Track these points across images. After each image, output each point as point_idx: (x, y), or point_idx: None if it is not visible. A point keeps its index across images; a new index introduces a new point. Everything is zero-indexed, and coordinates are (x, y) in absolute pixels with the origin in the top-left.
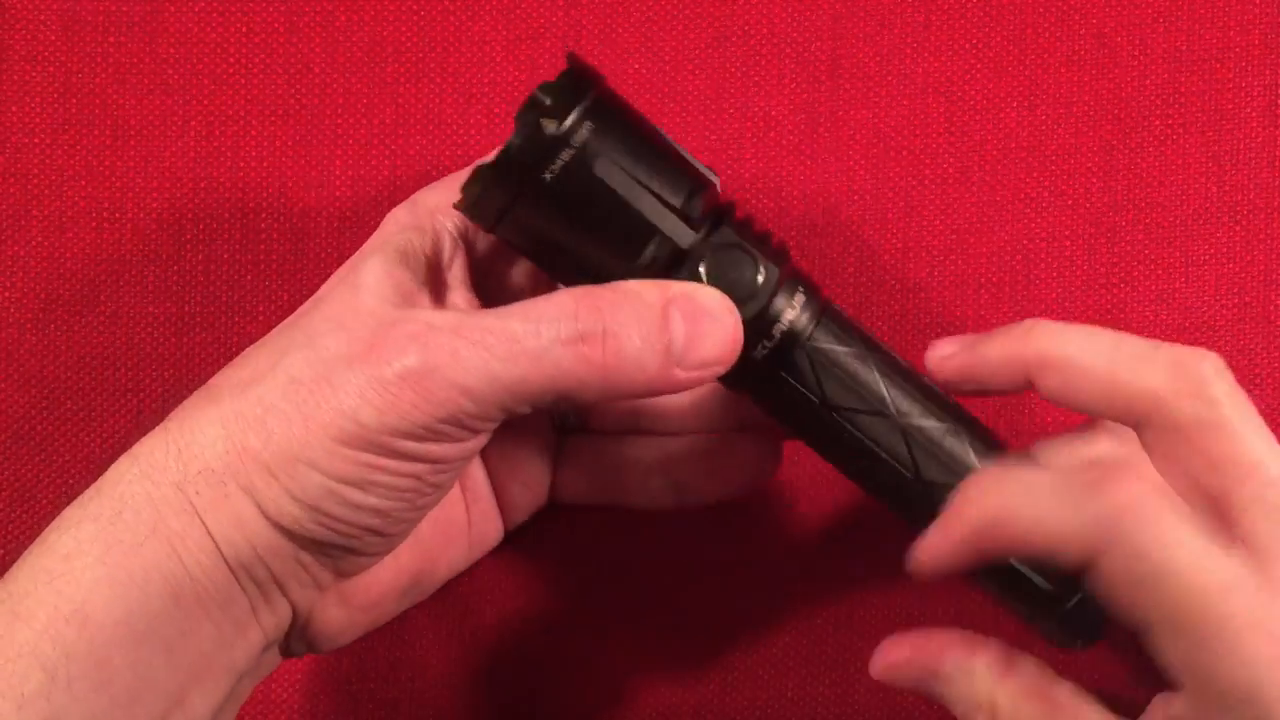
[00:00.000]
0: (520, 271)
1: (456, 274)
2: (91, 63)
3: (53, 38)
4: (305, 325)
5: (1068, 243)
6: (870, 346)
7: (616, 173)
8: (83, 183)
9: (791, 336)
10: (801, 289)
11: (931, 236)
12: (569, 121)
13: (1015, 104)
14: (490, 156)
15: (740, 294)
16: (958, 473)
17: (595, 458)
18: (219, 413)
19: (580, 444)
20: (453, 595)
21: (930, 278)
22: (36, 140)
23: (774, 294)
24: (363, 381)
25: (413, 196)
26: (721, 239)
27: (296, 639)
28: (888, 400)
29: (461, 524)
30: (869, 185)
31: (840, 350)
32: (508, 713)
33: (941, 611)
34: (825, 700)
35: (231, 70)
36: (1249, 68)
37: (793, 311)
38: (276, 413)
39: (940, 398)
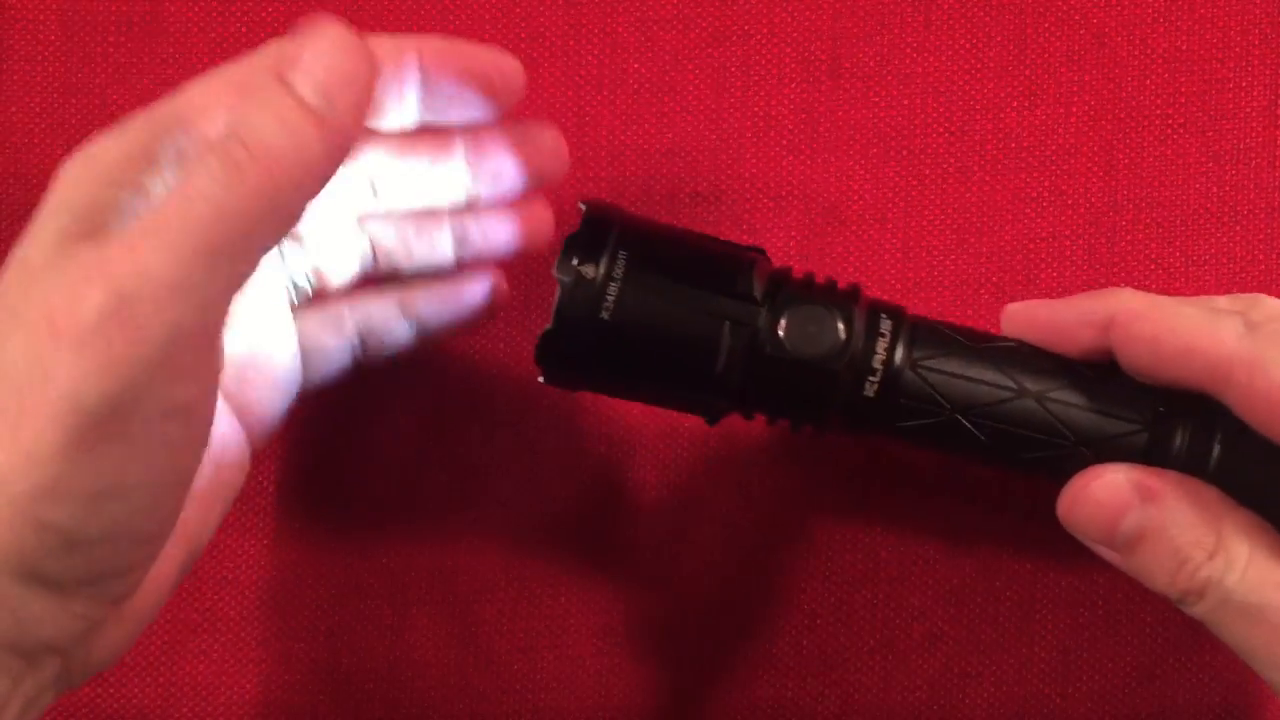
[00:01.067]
0: None
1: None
2: (91, 63)
3: (53, 38)
4: None
5: (1068, 243)
6: (971, 340)
7: (666, 284)
8: None
9: (893, 362)
10: (885, 315)
11: (931, 236)
12: (604, 258)
13: (1015, 104)
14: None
15: (827, 343)
16: (1109, 423)
17: (335, 323)
18: None
19: (314, 314)
20: (453, 595)
21: (930, 277)
22: (36, 140)
23: (861, 330)
24: (65, 356)
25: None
26: (786, 300)
27: (74, 676)
28: (1013, 384)
29: (210, 485)
30: (869, 185)
31: (947, 356)
32: (508, 713)
33: (942, 611)
34: (825, 700)
35: None
36: (1249, 68)
37: (884, 340)
38: None
39: (1058, 360)
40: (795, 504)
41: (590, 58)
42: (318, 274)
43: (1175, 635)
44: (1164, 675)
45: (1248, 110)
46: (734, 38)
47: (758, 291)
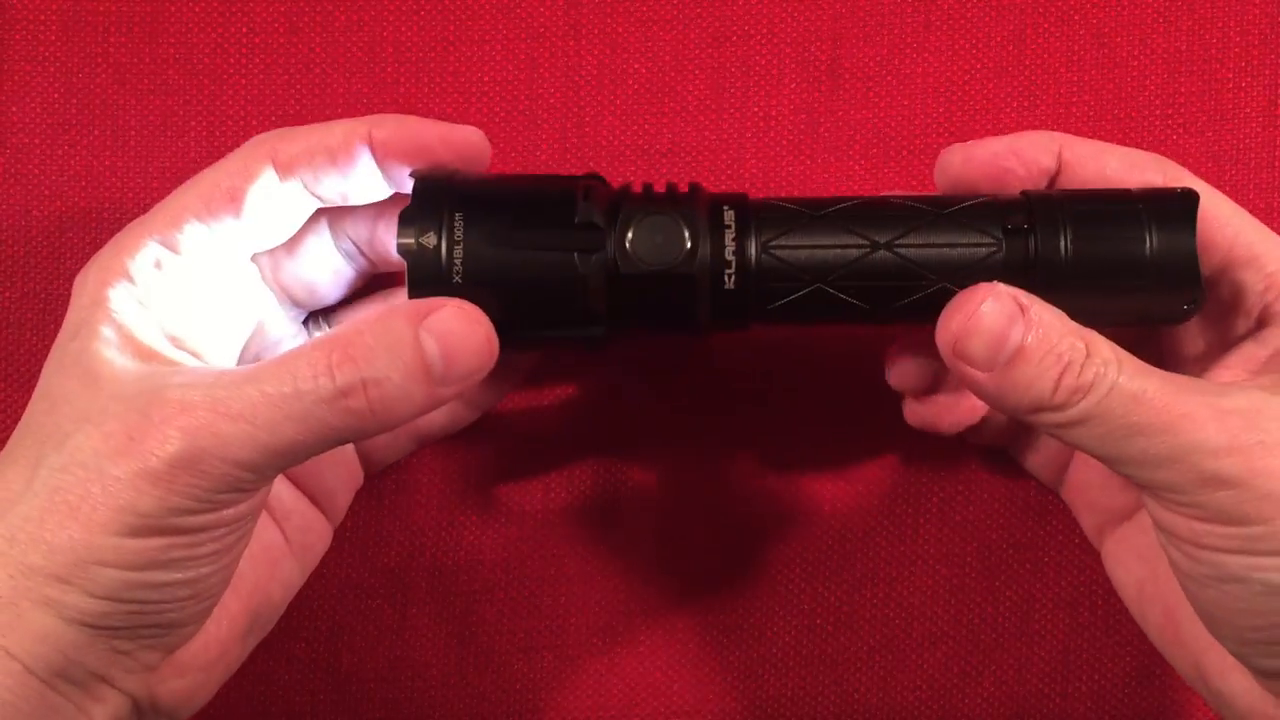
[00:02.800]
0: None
1: (180, 309)
2: (91, 63)
3: (53, 38)
4: (48, 428)
5: None
6: (816, 209)
7: (509, 234)
8: (83, 183)
9: (745, 251)
10: (726, 206)
11: None
12: (443, 224)
13: (1015, 104)
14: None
15: (676, 248)
16: (965, 251)
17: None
18: None
19: None
20: (453, 595)
21: None
22: (36, 140)
23: (706, 227)
24: (132, 475)
25: (112, 243)
26: (628, 217)
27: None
28: (864, 240)
29: (280, 547)
30: (869, 185)
31: (794, 231)
32: (508, 713)
33: (942, 611)
34: (825, 700)
35: (231, 70)
36: (1249, 68)
37: (730, 231)
38: (50, 526)
39: (901, 206)
40: (795, 504)
41: (590, 58)
42: None
43: None
44: (1163, 675)
45: (1248, 111)
46: (734, 38)
47: (598, 216)
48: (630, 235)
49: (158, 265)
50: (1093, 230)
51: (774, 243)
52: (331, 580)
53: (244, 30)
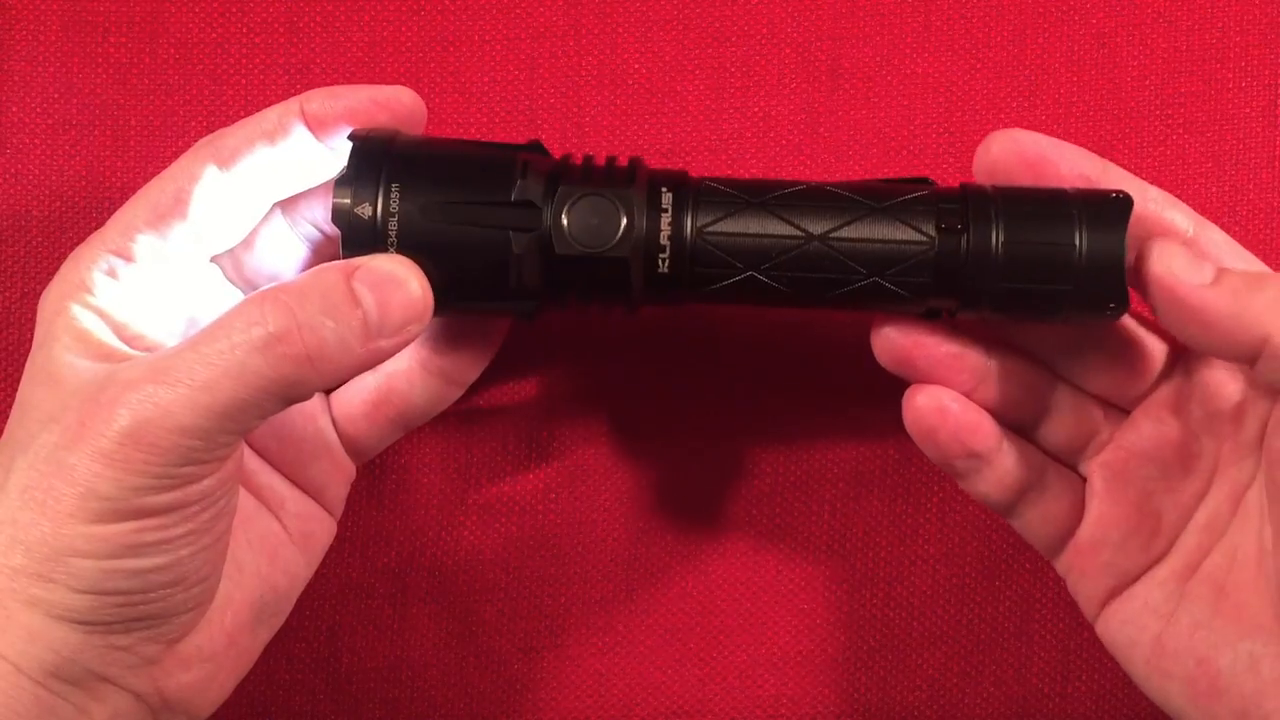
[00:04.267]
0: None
1: (138, 304)
2: (91, 63)
3: (53, 38)
4: (20, 435)
5: None
6: (757, 194)
7: (445, 208)
8: (83, 183)
9: (681, 235)
10: (665, 188)
11: None
12: (379, 195)
13: (1015, 104)
14: None
15: (611, 231)
16: (897, 248)
17: (375, 404)
18: None
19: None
20: (453, 595)
21: None
22: (36, 140)
23: (643, 209)
24: (86, 459)
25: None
26: (565, 195)
27: (159, 716)
28: (799, 231)
29: (278, 535)
30: None
31: (731, 217)
32: (508, 713)
33: (942, 611)
34: (825, 700)
35: (231, 70)
36: (1249, 68)
37: (667, 214)
38: (22, 524)
39: (845, 196)
40: (795, 504)
41: (590, 58)
42: None
43: None
44: None
45: (1248, 111)
46: (734, 38)
47: (536, 191)
48: (566, 215)
49: (113, 275)
50: (1024, 232)
51: (710, 228)
52: (331, 580)
53: (244, 30)
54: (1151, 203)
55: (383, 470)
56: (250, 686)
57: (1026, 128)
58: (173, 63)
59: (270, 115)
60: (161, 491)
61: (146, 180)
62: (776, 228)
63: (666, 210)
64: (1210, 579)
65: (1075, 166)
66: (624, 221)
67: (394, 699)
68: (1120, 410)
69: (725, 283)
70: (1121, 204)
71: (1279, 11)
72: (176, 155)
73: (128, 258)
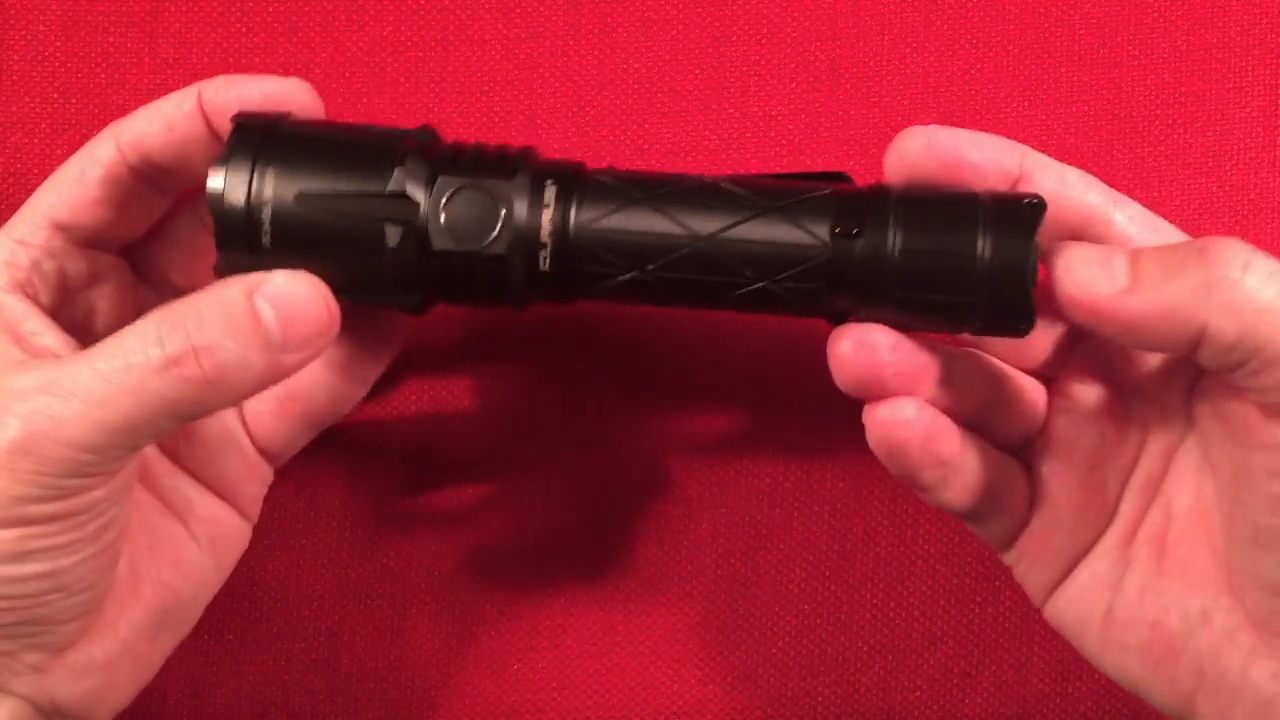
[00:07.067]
0: (108, 290)
1: (38, 308)
2: (91, 63)
3: (53, 38)
4: None
5: None
6: (647, 189)
7: (320, 196)
8: None
9: (563, 231)
10: (551, 180)
11: None
12: (254, 181)
13: (1015, 104)
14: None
15: (490, 226)
16: (788, 250)
17: (281, 400)
18: None
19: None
20: (453, 595)
21: None
22: (36, 140)
23: (524, 203)
24: None
25: None
26: (444, 186)
27: None
28: (685, 231)
29: (182, 541)
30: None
31: (616, 213)
32: (508, 713)
33: (942, 611)
34: (825, 700)
35: (231, 70)
36: (1249, 68)
37: (549, 210)
38: None
39: (740, 193)
40: (795, 503)
41: (590, 58)
42: None
43: None
44: None
45: (1248, 110)
46: (734, 38)
47: (416, 180)
48: (443, 209)
49: (14, 266)
50: (922, 239)
51: (594, 224)
52: (331, 580)
53: (244, 30)
54: (1071, 189)
55: (382, 471)
56: (250, 686)
57: (1026, 128)
58: (173, 63)
59: (171, 99)
60: (47, 501)
61: None
62: (662, 225)
63: (549, 205)
64: (1151, 540)
65: (994, 161)
66: (502, 216)
67: (394, 699)
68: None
69: (610, 282)
70: (1032, 210)
71: (1279, 11)
72: None
73: (31, 247)
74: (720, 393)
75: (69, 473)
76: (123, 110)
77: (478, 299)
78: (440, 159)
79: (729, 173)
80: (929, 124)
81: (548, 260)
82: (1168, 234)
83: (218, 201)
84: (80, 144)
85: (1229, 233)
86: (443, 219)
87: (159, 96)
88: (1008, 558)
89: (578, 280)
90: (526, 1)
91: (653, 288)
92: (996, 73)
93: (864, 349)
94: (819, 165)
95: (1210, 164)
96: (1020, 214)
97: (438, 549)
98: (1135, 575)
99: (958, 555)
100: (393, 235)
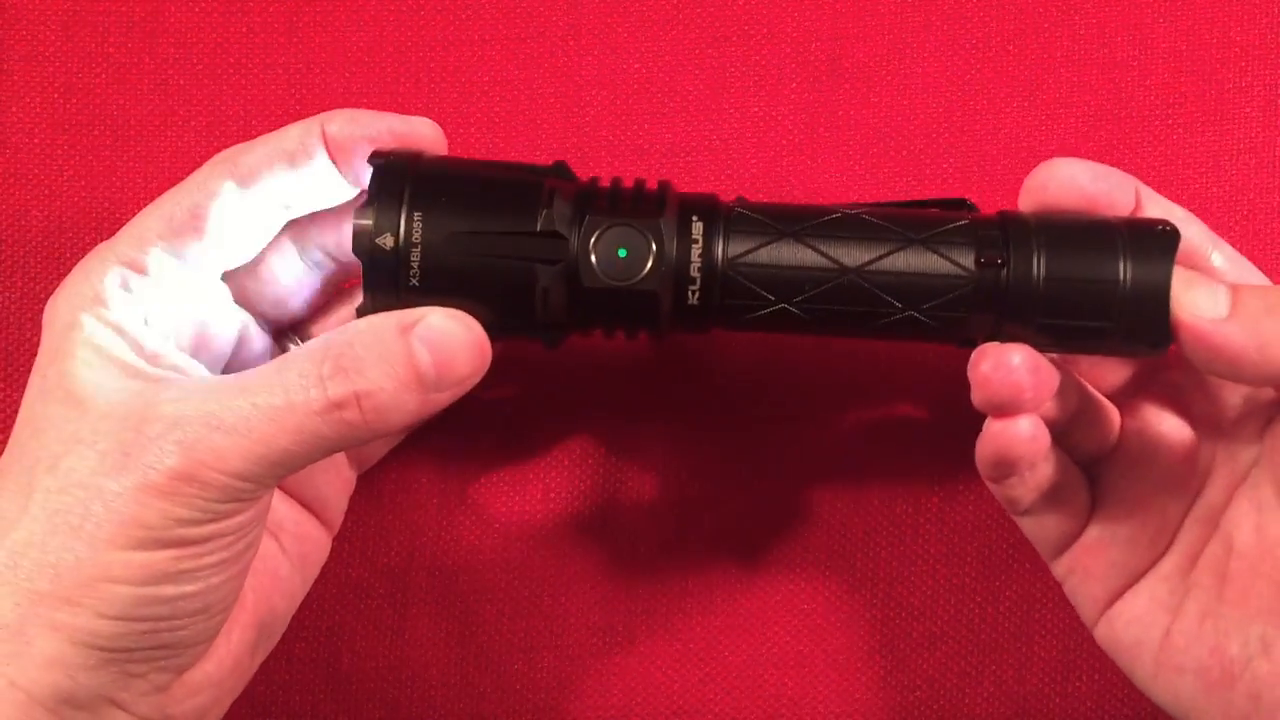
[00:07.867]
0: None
1: (161, 320)
2: (91, 63)
3: (53, 38)
4: (37, 453)
5: None
6: (792, 222)
7: (469, 238)
8: (83, 183)
9: (712, 267)
10: (696, 217)
11: None
12: (400, 224)
13: (1015, 104)
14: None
15: (640, 264)
16: (935, 281)
17: None
18: None
19: None
20: (453, 595)
21: None
22: (36, 140)
23: (673, 241)
24: (133, 489)
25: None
26: (592, 226)
27: None
28: (834, 264)
29: (277, 557)
30: (869, 185)
31: (764, 248)
32: (508, 713)
33: (942, 611)
34: (825, 700)
35: (231, 70)
36: (1249, 68)
37: (698, 246)
38: (53, 549)
39: (884, 225)
40: (795, 504)
41: (590, 58)
42: None
43: None
44: None
45: (1248, 110)
46: (734, 38)
47: (563, 220)
48: (593, 247)
49: (126, 287)
50: (1067, 267)
51: (741, 260)
52: (331, 580)
53: (244, 30)
54: (1177, 224)
55: (382, 470)
56: (250, 686)
57: (1026, 128)
58: (173, 63)
59: (292, 134)
60: (203, 524)
61: (146, 180)
62: (811, 259)
63: (698, 241)
64: (1212, 569)
65: (1110, 193)
66: (654, 253)
67: (394, 699)
68: (1124, 403)
69: (756, 314)
70: (1168, 237)
71: (1279, 11)
72: (176, 155)
73: (140, 270)
74: (720, 394)
75: (226, 498)
76: (123, 110)
77: (614, 331)
78: (581, 197)
79: (728, 173)
80: (930, 122)
81: (697, 294)
82: (1255, 278)
83: (365, 242)
84: (80, 144)
85: (1228, 232)
86: (593, 258)
87: (159, 97)
88: (1058, 568)
89: (723, 313)
90: (526, 1)
91: (797, 319)
92: (996, 73)
93: (1008, 370)
94: (819, 165)
95: (1210, 164)
96: (1158, 240)
97: (438, 549)
98: (1195, 601)
99: (958, 555)
100: (544, 274)
